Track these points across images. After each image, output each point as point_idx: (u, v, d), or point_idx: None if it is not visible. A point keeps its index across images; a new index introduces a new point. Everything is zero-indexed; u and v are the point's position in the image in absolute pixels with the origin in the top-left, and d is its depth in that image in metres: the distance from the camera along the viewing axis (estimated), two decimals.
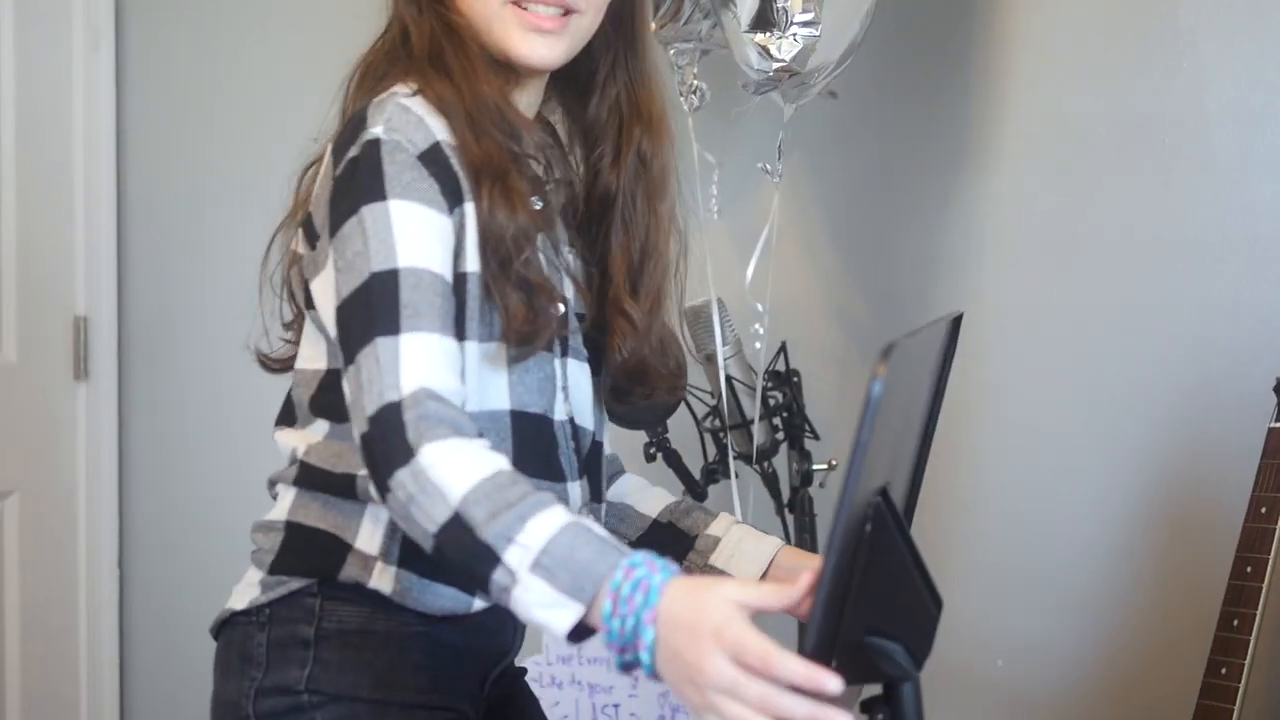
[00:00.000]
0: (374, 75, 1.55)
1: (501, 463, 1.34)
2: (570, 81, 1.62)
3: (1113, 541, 2.39)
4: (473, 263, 1.45)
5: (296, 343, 1.61)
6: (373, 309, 1.39)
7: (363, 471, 1.48)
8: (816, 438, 2.37)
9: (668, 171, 1.62)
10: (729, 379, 2.31)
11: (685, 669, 1.21)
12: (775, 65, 2.11)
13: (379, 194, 1.42)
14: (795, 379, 2.37)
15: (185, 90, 3.18)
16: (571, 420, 1.57)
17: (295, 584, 1.53)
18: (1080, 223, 2.40)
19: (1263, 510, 2.06)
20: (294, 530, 1.54)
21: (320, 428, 1.55)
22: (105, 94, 3.19)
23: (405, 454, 1.33)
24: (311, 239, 1.52)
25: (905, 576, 1.27)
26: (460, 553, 1.31)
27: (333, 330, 1.46)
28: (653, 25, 2.27)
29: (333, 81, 1.63)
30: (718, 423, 2.35)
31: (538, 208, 1.52)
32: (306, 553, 1.53)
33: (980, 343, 2.43)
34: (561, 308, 1.53)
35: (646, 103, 1.62)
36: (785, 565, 1.59)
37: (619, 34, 1.60)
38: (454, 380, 1.39)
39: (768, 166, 2.29)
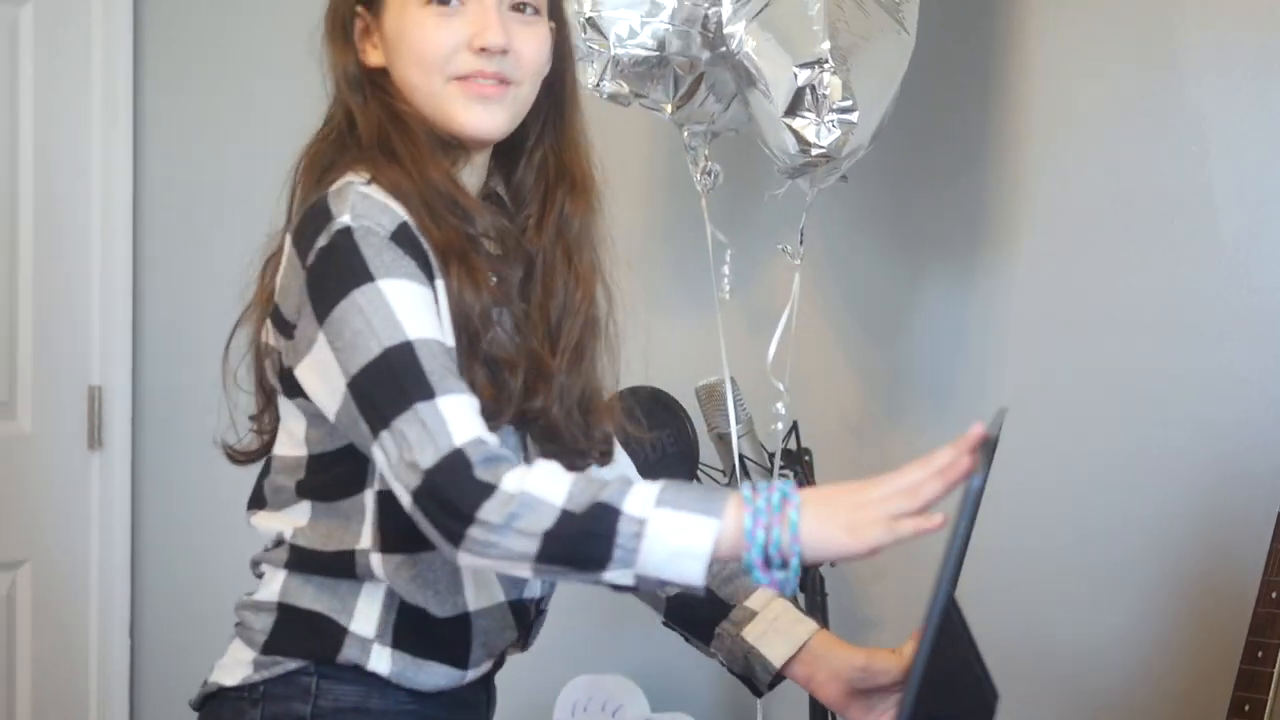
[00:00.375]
0: (320, 165, 1.59)
1: (565, 471, 1.40)
2: (505, 150, 1.65)
3: (1122, 623, 2.39)
4: (449, 338, 1.50)
5: (265, 433, 1.63)
6: (400, 379, 1.42)
7: (360, 545, 1.53)
8: None
9: (589, 231, 1.66)
10: (741, 458, 2.32)
11: (847, 506, 1.32)
12: (815, 151, 2.10)
13: (365, 276, 1.46)
14: (807, 458, 2.38)
15: (201, 164, 3.22)
16: None
17: (291, 664, 1.55)
18: (1093, 303, 2.42)
19: (1273, 595, 2.06)
20: (287, 612, 1.57)
21: (304, 509, 1.57)
22: (122, 168, 3.23)
23: (484, 489, 1.37)
24: (285, 329, 1.54)
25: (967, 666, 1.29)
26: (577, 531, 1.34)
27: (333, 407, 1.48)
28: (669, 108, 2.29)
29: None
30: None
31: (493, 283, 1.56)
32: (302, 635, 1.55)
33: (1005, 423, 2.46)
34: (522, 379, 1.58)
35: (572, 165, 1.66)
36: (817, 650, 1.60)
37: (549, 100, 1.64)
38: (486, 431, 1.43)
39: (788, 248, 2.30)
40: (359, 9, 1.61)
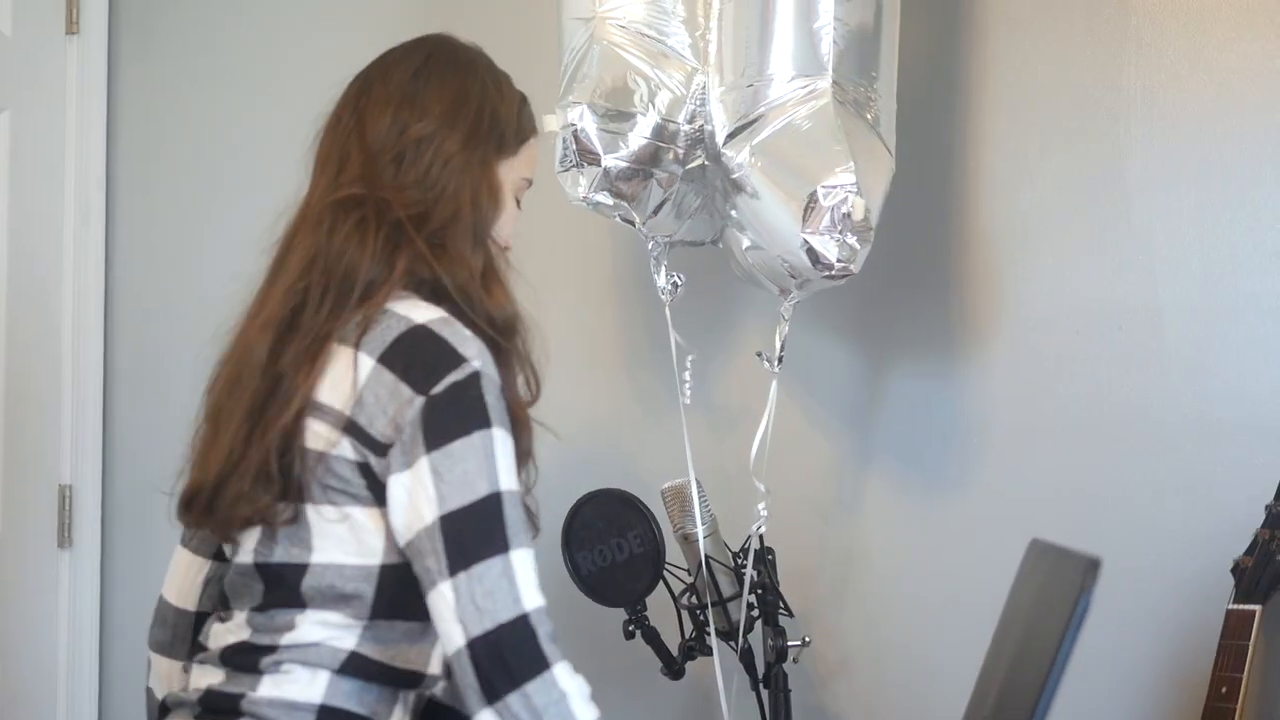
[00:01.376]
0: (396, 253, 1.69)
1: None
2: None
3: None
4: None
5: (247, 524, 1.68)
6: (489, 527, 1.58)
7: (431, 670, 1.65)
8: (790, 615, 2.43)
9: None
10: (707, 558, 2.38)
11: None
12: (839, 268, 2.16)
13: (486, 421, 1.61)
14: (770, 557, 2.44)
15: (173, 267, 3.26)
16: None
17: None
18: (1047, 407, 2.49)
19: (1223, 690, 2.13)
20: (329, 714, 1.64)
21: (364, 622, 1.65)
22: (94, 268, 3.27)
23: (542, 664, 1.55)
24: (374, 447, 1.62)
25: None
26: None
27: (414, 528, 1.59)
28: (638, 219, 2.35)
29: None
30: (694, 599, 2.42)
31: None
32: None
33: (959, 521, 2.53)
34: None
35: None
36: None
37: None
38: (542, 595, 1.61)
39: (766, 356, 2.36)
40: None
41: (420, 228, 1.70)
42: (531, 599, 1.58)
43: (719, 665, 2.38)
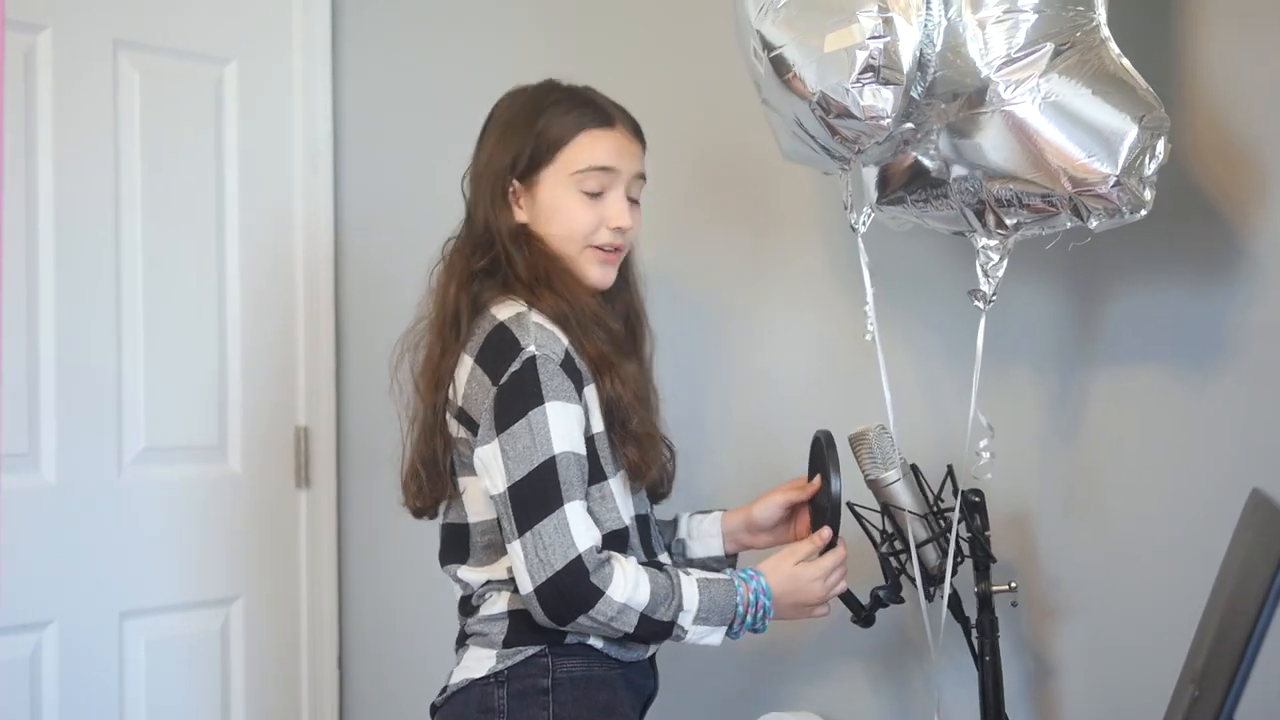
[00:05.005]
0: (472, 291, 2.16)
1: (642, 570, 2.06)
2: None
3: None
4: (598, 426, 2.12)
5: (434, 497, 2.23)
6: (545, 490, 2.01)
7: None
8: (992, 560, 2.31)
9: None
10: (887, 507, 2.28)
11: (799, 606, 2.18)
12: (1143, 210, 2.07)
13: (538, 400, 2.03)
14: (977, 499, 2.32)
15: (398, 210, 3.30)
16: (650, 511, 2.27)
17: (530, 650, 2.09)
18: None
19: None
20: (519, 616, 2.10)
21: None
22: (324, 215, 3.34)
23: (596, 593, 2.01)
24: (471, 427, 2.09)
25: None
26: (651, 634, 2.07)
27: (494, 493, 2.06)
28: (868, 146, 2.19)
29: None
30: (892, 545, 2.32)
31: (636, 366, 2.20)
32: (538, 628, 2.07)
33: (1184, 463, 2.37)
34: (666, 451, 2.26)
35: (641, 305, 2.32)
36: (730, 525, 2.36)
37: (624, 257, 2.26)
38: (596, 530, 2.05)
39: (977, 294, 2.23)
40: (513, 180, 2.18)
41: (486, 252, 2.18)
42: (583, 542, 2.00)
43: (926, 612, 2.29)
